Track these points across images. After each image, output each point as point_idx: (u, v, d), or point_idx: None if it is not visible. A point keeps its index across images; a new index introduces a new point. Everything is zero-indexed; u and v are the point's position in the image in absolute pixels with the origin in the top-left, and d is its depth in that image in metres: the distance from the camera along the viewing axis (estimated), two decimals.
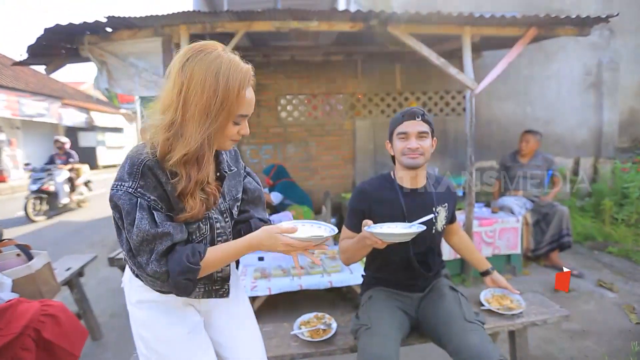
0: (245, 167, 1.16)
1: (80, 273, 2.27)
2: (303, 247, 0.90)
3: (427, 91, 4.87)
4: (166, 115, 0.81)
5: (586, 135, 5.15)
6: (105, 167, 16.73)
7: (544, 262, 3.34)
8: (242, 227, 1.09)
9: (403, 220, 1.34)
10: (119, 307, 2.80)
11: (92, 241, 5.02)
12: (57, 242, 4.97)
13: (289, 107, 4.82)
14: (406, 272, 1.43)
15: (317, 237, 0.91)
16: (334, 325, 1.52)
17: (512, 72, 4.79)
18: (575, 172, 5.09)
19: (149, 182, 0.80)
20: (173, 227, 0.82)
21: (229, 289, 1.05)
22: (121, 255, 2.80)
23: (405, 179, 1.43)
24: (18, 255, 1.84)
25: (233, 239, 0.99)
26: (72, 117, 14.35)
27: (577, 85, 5.06)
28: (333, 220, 4.24)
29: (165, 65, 2.71)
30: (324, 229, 0.99)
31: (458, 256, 3.13)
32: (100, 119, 16.59)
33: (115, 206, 0.80)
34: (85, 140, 16.04)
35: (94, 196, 9.27)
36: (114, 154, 18.17)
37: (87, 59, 2.81)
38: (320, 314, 1.61)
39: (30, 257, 1.82)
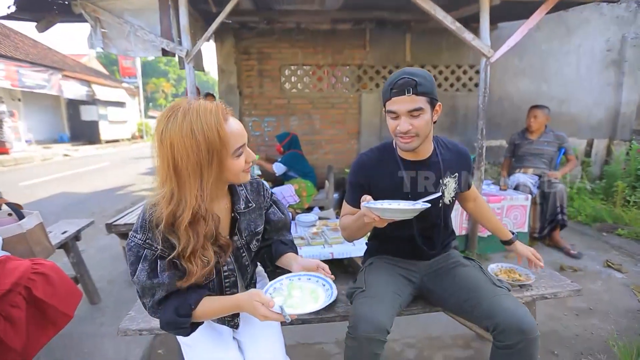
0: (271, 196, 1.17)
1: (76, 237, 2.22)
2: (278, 320, 0.87)
3: (438, 65, 4.64)
4: (165, 188, 0.85)
5: (602, 116, 4.94)
6: (108, 142, 16.64)
7: (547, 242, 3.26)
8: (264, 251, 1.17)
9: (405, 197, 1.23)
10: (117, 274, 2.79)
11: (92, 212, 5.01)
12: (57, 213, 4.96)
13: (293, 78, 4.63)
14: (410, 248, 1.35)
15: (299, 314, 0.90)
16: (335, 292, 1.45)
17: (529, 46, 4.55)
18: (588, 154, 4.93)
19: (157, 235, 0.86)
20: (170, 277, 0.87)
21: (239, 322, 1.10)
22: (119, 222, 2.75)
23: (405, 153, 1.28)
24: (10, 215, 1.78)
25: (252, 267, 1.11)
26: (74, 89, 14.13)
27: (598, 62, 4.80)
28: (335, 195, 4.16)
29: (163, 24, 2.55)
30: (320, 295, 0.97)
31: (463, 232, 3.08)
32: (102, 92, 16.36)
33: (125, 255, 0.93)
34: (87, 113, 15.88)
35: (96, 169, 9.26)
36: (117, 129, 18.04)
37: (80, 17, 2.64)
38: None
39: (21, 217, 1.76)
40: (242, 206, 1.03)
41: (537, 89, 4.80)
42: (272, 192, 1.22)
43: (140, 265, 0.87)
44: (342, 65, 4.61)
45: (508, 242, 1.48)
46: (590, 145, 4.95)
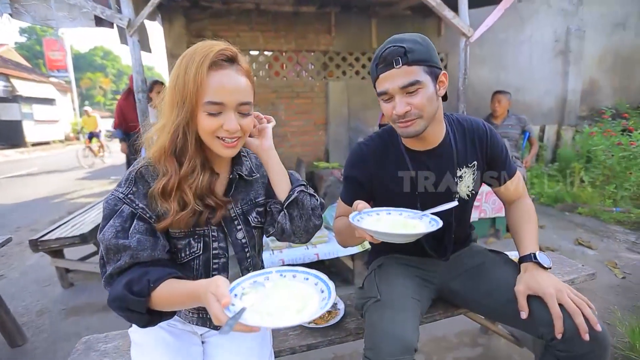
0: None
1: None
2: (242, 330, 0.57)
3: None
4: (160, 119, 0.80)
5: (552, 103, 5.26)
6: (35, 144, 14.56)
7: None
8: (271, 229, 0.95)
9: (412, 199, 1.01)
10: (49, 301, 2.24)
11: (18, 226, 4.18)
12: None
13: (253, 65, 4.24)
14: (420, 247, 1.10)
15: (258, 325, 0.56)
16: (341, 305, 1.19)
17: (488, 35, 4.60)
18: (541, 139, 5.21)
19: (140, 189, 0.76)
20: (140, 241, 0.73)
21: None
22: (50, 236, 2.22)
23: (411, 142, 1.04)
24: None
25: (253, 251, 0.91)
26: None
27: (548, 52, 5.08)
28: None
29: None
30: (310, 303, 0.62)
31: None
32: (25, 87, 14.26)
33: (103, 208, 0.77)
34: (6, 112, 13.72)
35: (22, 176, 7.94)
36: (46, 130, 15.88)
37: None
38: None
39: None
40: (245, 172, 0.89)
41: (497, 77, 4.95)
42: None
43: (111, 220, 0.74)
44: (307, 51, 4.33)
45: (522, 259, 1.00)
46: (542, 130, 5.24)
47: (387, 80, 0.89)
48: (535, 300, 0.92)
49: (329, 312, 1.15)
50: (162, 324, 0.80)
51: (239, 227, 0.87)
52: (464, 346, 1.70)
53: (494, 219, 3.09)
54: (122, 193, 0.75)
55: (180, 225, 0.76)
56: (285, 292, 0.65)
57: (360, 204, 0.88)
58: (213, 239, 0.83)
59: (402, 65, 0.87)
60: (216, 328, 0.89)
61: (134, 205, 0.75)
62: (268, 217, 0.92)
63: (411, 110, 0.90)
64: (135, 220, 0.74)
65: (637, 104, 5.47)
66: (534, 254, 0.95)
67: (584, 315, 0.81)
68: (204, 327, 0.90)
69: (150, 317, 0.71)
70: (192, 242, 0.81)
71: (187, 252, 0.81)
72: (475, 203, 2.83)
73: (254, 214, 0.90)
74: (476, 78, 4.88)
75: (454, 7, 2.53)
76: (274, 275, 0.70)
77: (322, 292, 0.65)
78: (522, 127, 3.36)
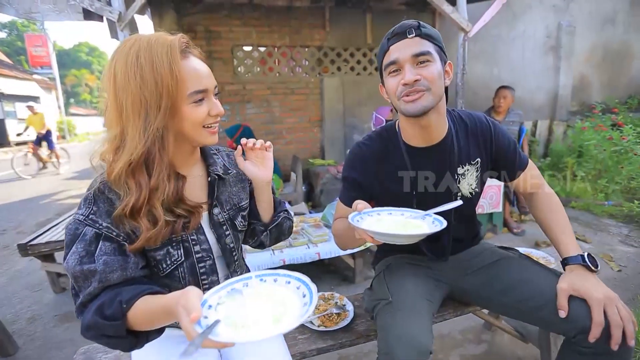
0: None
1: None
2: (203, 344, 0.50)
3: None
4: (110, 130, 0.70)
5: (543, 99, 5.31)
6: (19, 144, 14.11)
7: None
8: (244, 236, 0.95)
9: (411, 199, 0.99)
10: (41, 307, 2.15)
11: (3, 229, 4.04)
12: None
13: (247, 61, 4.16)
14: (423, 253, 1.09)
15: (230, 342, 0.50)
16: (349, 306, 1.16)
17: (482, 31, 4.62)
18: (533, 134, 5.27)
19: (102, 207, 0.70)
20: (107, 263, 0.66)
21: None
22: (39, 240, 2.13)
23: (412, 134, 0.98)
24: None
25: (239, 253, 0.90)
26: None
27: (539, 48, 5.12)
28: (304, 188, 3.85)
29: None
30: (289, 311, 0.56)
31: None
32: (7, 85, 13.79)
33: (65, 235, 0.70)
34: None
35: (4, 176, 7.69)
36: (30, 128, 15.38)
37: None
38: (327, 294, 1.24)
39: None
40: (221, 171, 0.85)
41: (490, 73, 4.97)
42: None
43: (74, 247, 0.67)
44: (301, 46, 4.26)
45: (565, 261, 0.94)
46: (535, 126, 5.29)
47: (398, 49, 0.88)
48: (544, 295, 0.92)
49: (337, 314, 1.12)
50: (169, 331, 0.76)
51: (227, 233, 0.85)
52: (469, 343, 1.70)
53: (491, 215, 3.10)
54: (82, 215, 0.69)
55: (157, 242, 0.71)
56: (264, 300, 0.60)
57: (360, 204, 0.84)
58: (193, 242, 0.78)
59: (415, 35, 0.87)
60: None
61: (97, 225, 0.68)
62: (249, 232, 0.95)
63: (421, 80, 0.86)
64: (100, 241, 0.68)
65: (625, 99, 5.57)
66: (583, 256, 0.90)
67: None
68: None
69: (136, 339, 0.66)
70: (171, 250, 0.75)
71: (168, 262, 0.75)
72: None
73: (239, 219, 0.89)
74: (470, 73, 4.87)
75: (452, 2, 2.51)
76: (254, 280, 0.64)
77: (304, 296, 0.60)
78: (520, 123, 3.38)
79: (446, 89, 0.95)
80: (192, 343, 0.48)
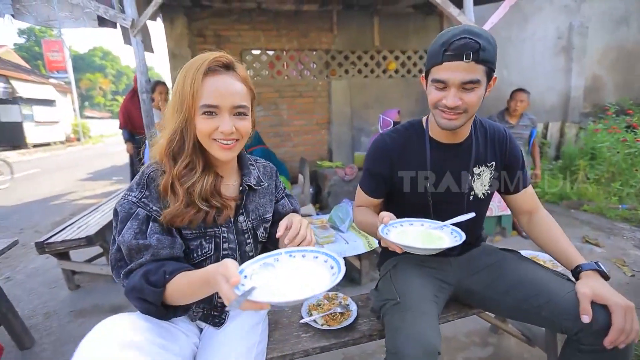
0: (284, 189, 1.06)
1: None
2: (243, 307, 0.59)
3: (407, 50, 4.54)
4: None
5: (555, 100, 5.23)
6: (36, 145, 14.54)
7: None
8: (269, 246, 1.00)
9: (425, 194, 1.06)
10: (57, 303, 2.23)
11: (21, 228, 4.17)
12: None
13: (255, 65, 4.22)
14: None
15: (270, 302, 0.58)
16: (353, 306, 1.18)
17: (491, 32, 4.62)
18: (545, 136, 5.19)
19: (154, 192, 0.79)
20: (159, 240, 0.76)
21: (225, 319, 0.93)
22: (55, 238, 2.21)
23: (439, 132, 1.04)
24: None
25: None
26: None
27: (550, 49, 5.05)
28: (311, 190, 3.87)
29: None
30: (317, 282, 0.65)
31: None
32: (25, 89, 14.22)
33: (115, 214, 0.79)
34: (6, 114, 13.67)
35: (23, 178, 7.94)
36: (47, 131, 15.85)
37: None
38: (332, 293, 1.26)
39: None
40: (253, 182, 0.93)
41: (499, 75, 4.88)
42: (285, 185, 1.05)
43: (128, 223, 0.76)
44: (309, 50, 4.30)
45: (576, 270, 0.94)
46: (546, 128, 5.21)
47: (451, 70, 0.88)
48: (546, 294, 0.93)
49: (341, 313, 1.14)
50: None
51: (248, 241, 0.91)
52: (475, 346, 1.69)
53: (499, 217, 3.07)
54: (135, 197, 0.78)
55: (183, 222, 0.78)
56: (294, 271, 0.68)
57: (385, 217, 0.92)
58: (223, 239, 0.86)
59: (472, 61, 0.85)
60: (214, 325, 0.92)
61: (148, 208, 0.78)
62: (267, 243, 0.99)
63: (461, 106, 0.91)
64: (150, 222, 0.77)
65: None
66: (597, 263, 0.91)
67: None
68: (206, 322, 0.93)
69: (166, 310, 0.75)
70: (204, 242, 0.84)
71: (200, 253, 0.84)
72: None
73: (261, 230, 0.94)
74: None
75: (459, 4, 2.51)
76: (283, 256, 0.72)
77: (332, 268, 0.68)
78: (532, 127, 3.34)
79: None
80: (235, 300, 0.56)
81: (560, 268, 1.37)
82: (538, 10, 4.89)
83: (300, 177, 3.83)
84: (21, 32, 32.51)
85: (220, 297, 0.87)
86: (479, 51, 0.84)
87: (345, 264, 2.37)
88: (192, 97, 0.75)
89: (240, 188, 0.90)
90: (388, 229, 0.91)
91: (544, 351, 1.47)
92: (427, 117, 1.09)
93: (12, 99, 13.52)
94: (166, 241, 0.77)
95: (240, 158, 0.94)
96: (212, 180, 0.81)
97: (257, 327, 0.96)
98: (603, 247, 2.79)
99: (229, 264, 0.62)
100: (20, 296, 2.32)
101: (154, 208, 0.78)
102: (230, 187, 0.90)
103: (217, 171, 0.85)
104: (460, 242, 0.85)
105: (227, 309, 0.84)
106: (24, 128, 14.05)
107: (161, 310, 0.74)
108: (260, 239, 0.95)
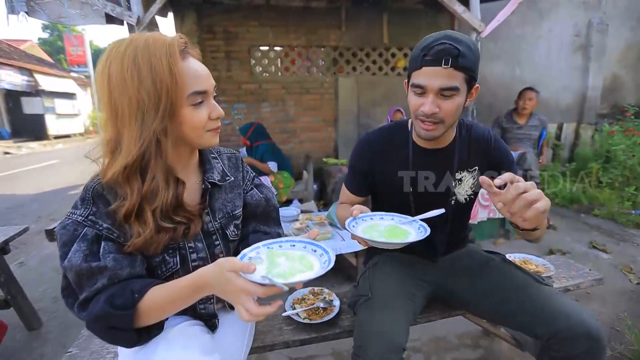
0: (253, 178, 0.96)
1: (3, 249, 1.77)
2: (265, 294, 0.60)
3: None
4: (105, 133, 0.68)
5: (570, 100, 5.07)
6: (57, 137, 15.08)
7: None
8: (241, 246, 0.87)
9: (408, 198, 1.05)
10: None
11: (39, 215, 4.37)
12: None
13: (263, 61, 4.26)
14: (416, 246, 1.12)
15: (292, 282, 0.61)
16: (336, 302, 1.20)
17: (503, 30, 4.50)
18: (558, 138, 5.04)
19: (101, 209, 0.67)
20: (117, 260, 0.66)
21: (217, 323, 0.88)
22: None
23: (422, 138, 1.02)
24: None
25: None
26: (11, 79, 12.57)
27: (566, 47, 4.89)
28: (315, 186, 3.90)
29: None
30: (314, 262, 0.68)
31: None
32: (47, 82, 14.73)
33: (56, 237, 0.67)
34: (30, 106, 14.22)
35: (43, 168, 8.27)
36: (67, 123, 16.41)
37: None
38: (317, 289, 1.28)
39: None
40: (217, 178, 0.82)
41: (511, 74, 4.81)
42: (254, 174, 0.97)
43: (75, 245, 0.64)
44: (317, 46, 4.31)
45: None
46: (560, 129, 5.06)
47: (429, 76, 0.87)
48: (520, 298, 0.93)
49: (324, 308, 1.16)
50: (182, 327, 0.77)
51: (217, 243, 0.81)
52: (465, 348, 1.68)
53: (503, 219, 3.02)
54: (80, 215, 0.66)
55: (157, 250, 0.69)
56: (283, 259, 0.69)
57: (355, 209, 0.91)
58: (190, 250, 0.77)
59: (450, 67, 0.84)
60: (211, 328, 0.86)
61: (97, 226, 0.66)
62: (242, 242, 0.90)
63: (438, 114, 0.89)
64: (102, 242, 0.66)
65: None
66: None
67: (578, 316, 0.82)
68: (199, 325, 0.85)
69: (138, 336, 0.66)
70: (167, 257, 0.74)
71: (164, 269, 0.74)
72: (485, 203, 2.83)
73: (231, 228, 0.85)
74: (489, 74, 4.76)
75: (465, 2, 2.47)
76: (262, 249, 0.72)
77: (315, 251, 0.71)
78: (542, 127, 3.27)
79: (467, 106, 0.98)
80: (281, 284, 0.58)
81: (552, 272, 1.35)
82: (555, 7, 4.73)
83: (305, 173, 3.87)
84: (45, 27, 33.61)
85: (202, 308, 0.83)
86: (458, 57, 0.83)
87: (342, 261, 2.41)
88: (174, 87, 0.63)
89: (203, 186, 0.79)
90: (356, 221, 0.91)
91: (533, 355, 1.46)
92: (412, 120, 1.08)
93: (35, 92, 14.04)
94: (125, 261, 0.66)
95: (200, 151, 0.82)
96: (173, 193, 0.69)
97: (247, 324, 0.95)
98: (611, 253, 2.72)
99: (231, 259, 0.60)
100: (31, 280, 2.45)
101: (104, 225, 0.66)
102: (191, 189, 0.78)
103: (178, 176, 0.72)
104: (425, 236, 0.84)
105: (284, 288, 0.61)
106: (45, 120, 14.59)
107: (133, 336, 0.65)
108: (232, 238, 0.85)
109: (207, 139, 0.72)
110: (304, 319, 1.12)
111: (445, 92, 0.87)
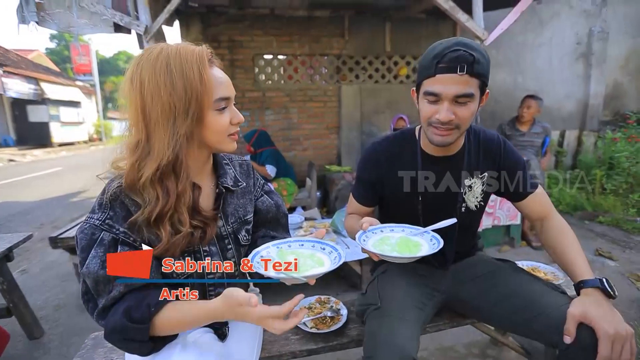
0: (263, 185, 0.98)
1: (7, 257, 1.77)
2: (285, 313, 0.63)
3: (418, 55, 4.51)
4: (131, 137, 0.70)
5: (572, 107, 5.07)
6: (61, 145, 15.21)
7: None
8: (249, 250, 0.88)
9: (415, 205, 1.04)
10: (67, 296, 2.33)
11: (42, 223, 4.38)
12: None
13: (267, 69, 4.30)
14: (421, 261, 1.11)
15: (309, 275, 0.65)
16: (344, 310, 1.19)
17: (505, 38, 4.53)
18: (560, 145, 5.04)
19: (118, 213, 0.69)
20: None
21: (227, 331, 0.89)
22: (68, 234, 2.30)
23: (431, 145, 1.00)
24: None
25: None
26: (18, 87, 12.73)
27: (568, 55, 4.91)
28: (318, 194, 3.90)
29: None
30: (324, 259, 0.73)
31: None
32: (52, 90, 14.92)
33: (76, 242, 0.69)
34: (35, 114, 14.38)
35: (47, 175, 8.32)
36: (72, 131, 16.58)
37: None
38: (324, 297, 1.27)
39: None
40: (230, 183, 0.84)
41: (514, 81, 4.83)
42: (264, 181, 0.99)
43: (93, 251, 0.66)
44: (320, 55, 4.35)
45: (579, 285, 0.90)
46: (562, 136, 5.06)
47: (444, 83, 0.86)
48: (536, 307, 0.91)
49: (331, 317, 1.15)
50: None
51: (229, 247, 0.83)
52: (473, 357, 1.66)
53: (508, 227, 3.00)
54: (98, 220, 0.68)
55: (175, 253, 0.70)
56: (298, 257, 0.71)
57: (365, 223, 0.90)
58: (205, 254, 0.78)
59: (466, 74, 0.83)
60: (218, 336, 0.87)
61: (114, 230, 0.68)
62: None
63: (454, 120, 0.88)
64: (119, 246, 0.68)
65: None
66: (602, 280, 0.85)
67: None
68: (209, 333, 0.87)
69: (153, 344, 0.67)
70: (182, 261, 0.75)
71: (179, 273, 0.74)
72: (489, 210, 2.82)
73: (243, 232, 0.86)
74: (492, 81, 4.70)
75: (469, 9, 2.50)
76: (272, 249, 0.75)
77: (324, 249, 0.76)
78: (545, 135, 3.27)
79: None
80: (301, 277, 0.63)
81: (562, 280, 1.34)
82: (556, 15, 4.77)
83: (308, 180, 3.87)
84: (52, 37, 34.20)
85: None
86: (473, 64, 0.83)
87: (346, 269, 2.39)
88: (203, 93, 0.67)
89: (217, 191, 0.82)
90: (367, 235, 0.90)
91: None
92: (420, 127, 1.08)
93: (41, 100, 14.21)
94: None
95: (214, 156, 0.85)
96: (189, 196, 0.72)
97: (257, 331, 0.96)
98: (617, 261, 2.69)
99: (234, 291, 0.63)
100: (33, 288, 2.44)
101: (121, 229, 0.68)
102: (205, 194, 0.80)
103: (194, 180, 0.75)
104: (437, 249, 0.83)
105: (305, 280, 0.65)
106: (50, 128, 14.74)
107: (148, 345, 0.66)
108: (243, 243, 0.87)
109: (226, 143, 0.75)
110: (311, 328, 1.10)
111: (460, 99, 0.86)
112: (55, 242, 2.18)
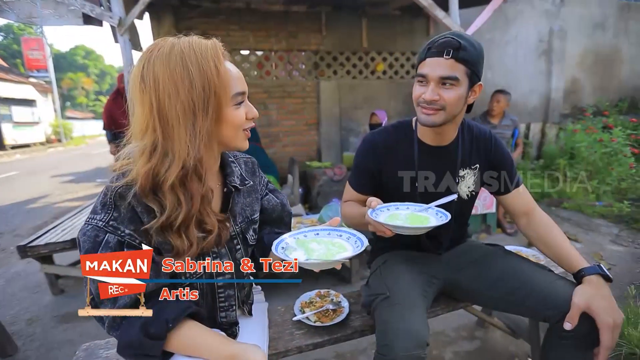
0: (267, 184, 0.96)
1: None
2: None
3: (394, 51, 4.61)
4: (144, 140, 0.65)
5: (536, 102, 5.40)
6: (14, 147, 14.04)
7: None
8: (254, 248, 0.89)
9: (412, 197, 1.07)
10: (39, 309, 2.17)
11: (0, 232, 4.03)
12: None
13: (244, 65, 4.20)
14: (417, 249, 1.18)
15: (339, 259, 0.68)
16: (345, 303, 1.20)
17: (475, 35, 4.73)
18: (527, 137, 5.35)
19: (123, 213, 0.65)
20: None
21: (237, 331, 0.87)
22: (39, 241, 2.15)
23: (426, 133, 1.08)
24: None
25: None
26: None
27: (532, 52, 5.21)
28: (301, 190, 3.88)
29: None
30: (345, 244, 0.76)
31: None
32: (2, 88, 13.72)
33: (77, 244, 0.65)
34: None
35: (1, 180, 7.65)
36: (26, 132, 15.36)
37: None
38: (323, 291, 1.28)
39: None
40: (238, 182, 0.81)
41: (484, 77, 4.94)
42: (267, 179, 0.98)
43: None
44: (298, 50, 4.32)
45: (579, 274, 0.94)
46: (528, 128, 5.38)
47: (431, 66, 0.93)
48: (528, 285, 0.98)
49: (333, 310, 1.16)
50: None
51: (237, 247, 0.81)
52: (462, 340, 1.74)
53: (484, 215, 3.16)
54: (101, 221, 0.64)
55: (192, 258, 0.67)
56: (315, 244, 0.74)
57: (373, 201, 0.92)
58: (214, 255, 0.75)
59: (451, 58, 0.90)
60: (229, 335, 0.84)
61: (119, 232, 0.64)
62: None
63: (439, 101, 0.94)
64: (125, 249, 0.64)
65: (615, 102, 5.68)
66: (599, 265, 0.92)
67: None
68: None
69: (164, 355, 0.66)
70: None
71: (188, 275, 0.72)
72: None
73: (250, 232, 0.85)
74: None
75: (445, 8, 2.58)
76: (289, 239, 0.77)
77: (341, 235, 0.78)
78: (514, 127, 3.46)
79: (470, 105, 1.03)
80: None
81: (543, 262, 1.43)
82: (520, 14, 5.04)
83: (290, 177, 3.84)
84: None
85: (224, 317, 0.82)
86: (459, 50, 0.90)
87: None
88: (222, 88, 0.64)
89: (225, 190, 0.79)
90: (376, 212, 0.91)
91: (527, 342, 1.53)
92: (416, 118, 1.12)
93: None
94: (152, 272, 0.64)
95: (221, 155, 0.81)
96: (212, 196, 0.70)
97: (265, 329, 0.96)
98: (582, 243, 2.91)
99: (258, 350, 0.66)
100: (0, 302, 2.25)
101: (126, 231, 0.64)
102: (214, 194, 0.77)
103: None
104: (447, 220, 0.87)
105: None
106: (1, 129, 13.56)
107: (160, 358, 0.65)
108: (251, 243, 0.85)
109: (240, 139, 0.73)
110: (314, 322, 1.11)
111: (445, 81, 0.92)
112: (24, 251, 2.03)
